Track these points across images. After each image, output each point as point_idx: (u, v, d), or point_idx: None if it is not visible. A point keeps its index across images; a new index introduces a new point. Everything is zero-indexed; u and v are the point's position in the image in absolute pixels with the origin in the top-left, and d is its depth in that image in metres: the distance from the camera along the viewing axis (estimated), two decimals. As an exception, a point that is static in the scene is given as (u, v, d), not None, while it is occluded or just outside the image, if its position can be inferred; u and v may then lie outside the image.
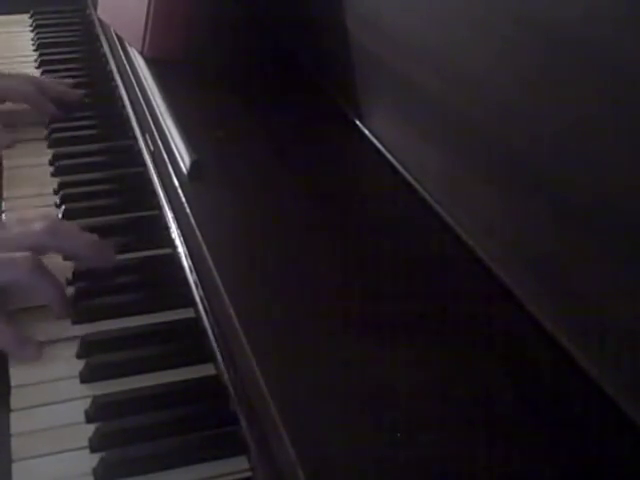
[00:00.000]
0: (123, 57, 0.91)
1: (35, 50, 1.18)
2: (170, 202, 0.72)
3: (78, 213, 0.78)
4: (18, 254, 0.64)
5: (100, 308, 0.68)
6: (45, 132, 0.94)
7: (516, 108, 0.51)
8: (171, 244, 0.73)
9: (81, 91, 1.01)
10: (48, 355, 0.63)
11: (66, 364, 0.62)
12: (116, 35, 0.95)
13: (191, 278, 0.67)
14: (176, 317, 0.67)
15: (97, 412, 0.58)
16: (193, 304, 0.67)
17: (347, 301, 0.53)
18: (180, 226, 0.69)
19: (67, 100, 0.98)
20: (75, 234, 0.69)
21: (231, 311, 0.52)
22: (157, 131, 0.74)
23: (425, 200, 0.61)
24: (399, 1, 0.64)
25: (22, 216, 0.73)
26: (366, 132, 0.71)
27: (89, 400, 0.59)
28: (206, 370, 0.62)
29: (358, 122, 0.72)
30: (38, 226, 0.67)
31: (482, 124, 0.55)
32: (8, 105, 0.97)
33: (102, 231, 0.76)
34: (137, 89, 0.83)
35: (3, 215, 0.79)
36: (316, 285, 0.55)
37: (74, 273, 0.71)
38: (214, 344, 0.61)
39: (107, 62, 1.07)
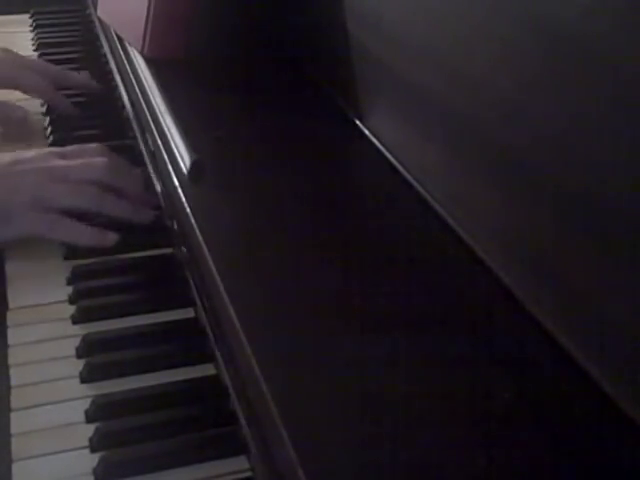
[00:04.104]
0: (123, 57, 0.91)
1: (35, 50, 1.18)
2: (170, 202, 0.72)
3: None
4: (79, 184, 0.73)
5: (100, 308, 0.68)
6: (45, 132, 0.94)
7: (516, 108, 0.51)
8: (171, 244, 0.73)
9: (98, 84, 1.00)
10: (48, 355, 0.63)
11: (66, 364, 0.62)
12: (116, 35, 0.95)
13: (191, 278, 0.67)
14: (176, 317, 0.67)
15: (97, 412, 0.58)
16: (193, 304, 0.67)
17: (347, 301, 0.53)
18: (180, 226, 0.69)
19: (85, 91, 0.99)
20: (130, 175, 0.77)
21: (231, 311, 0.52)
22: (157, 131, 0.74)
23: (425, 200, 0.61)
24: (399, 1, 0.64)
25: (83, 147, 0.79)
26: (366, 132, 0.71)
27: (89, 400, 0.59)
28: (206, 370, 0.62)
29: (358, 122, 0.72)
30: (100, 162, 0.75)
31: (482, 124, 0.55)
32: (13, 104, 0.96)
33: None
34: (137, 89, 0.83)
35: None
36: (316, 285, 0.55)
37: (74, 272, 0.71)
38: (214, 344, 0.61)
39: (107, 62, 1.07)
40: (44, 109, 0.99)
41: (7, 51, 0.98)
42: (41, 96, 0.97)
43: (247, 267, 0.57)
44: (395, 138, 0.67)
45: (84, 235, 0.72)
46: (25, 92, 0.97)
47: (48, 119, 0.97)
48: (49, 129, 0.95)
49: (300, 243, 0.59)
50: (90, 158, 0.76)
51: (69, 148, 0.78)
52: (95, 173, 0.74)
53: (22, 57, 0.99)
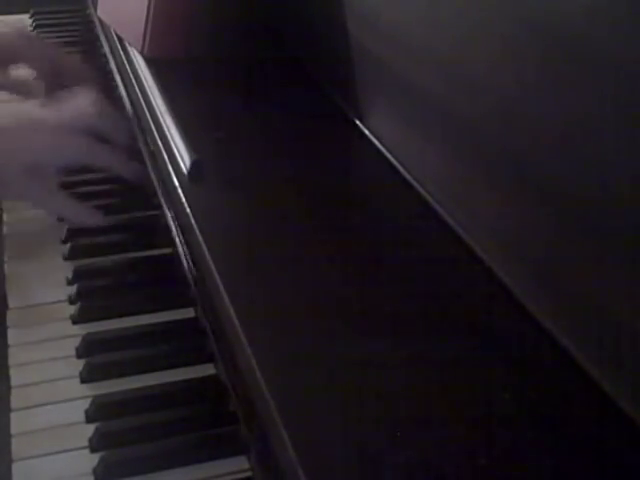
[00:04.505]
0: (123, 57, 0.91)
1: (35, 50, 1.18)
2: (170, 202, 0.72)
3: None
4: (73, 139, 0.72)
5: (100, 308, 0.68)
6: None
7: (516, 108, 0.51)
8: (171, 244, 0.73)
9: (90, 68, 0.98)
10: (48, 355, 0.63)
11: (66, 364, 0.62)
12: (116, 35, 0.95)
13: (191, 278, 0.67)
14: (176, 317, 0.67)
15: (97, 412, 0.58)
16: (193, 304, 0.67)
17: (347, 301, 0.53)
18: (180, 226, 0.69)
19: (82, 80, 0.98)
20: (120, 123, 0.78)
21: (231, 311, 0.52)
22: (157, 131, 0.74)
23: (425, 200, 0.61)
24: (399, 1, 0.64)
25: (73, 92, 0.78)
26: (366, 132, 0.71)
27: (89, 400, 0.59)
28: (206, 370, 0.62)
29: (358, 122, 0.72)
30: (90, 108, 0.74)
31: (482, 124, 0.55)
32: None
33: (103, 231, 0.77)
34: (137, 89, 0.83)
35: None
36: (316, 285, 0.55)
37: (74, 273, 0.71)
38: (214, 344, 0.61)
39: (107, 62, 1.06)
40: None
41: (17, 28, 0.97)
42: (40, 74, 0.97)
43: (247, 267, 0.57)
44: (395, 138, 0.67)
45: (78, 213, 0.73)
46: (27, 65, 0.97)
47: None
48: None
49: (300, 243, 0.59)
50: (79, 103, 0.75)
51: (58, 95, 0.77)
52: (86, 121, 0.73)
53: (30, 34, 0.98)
